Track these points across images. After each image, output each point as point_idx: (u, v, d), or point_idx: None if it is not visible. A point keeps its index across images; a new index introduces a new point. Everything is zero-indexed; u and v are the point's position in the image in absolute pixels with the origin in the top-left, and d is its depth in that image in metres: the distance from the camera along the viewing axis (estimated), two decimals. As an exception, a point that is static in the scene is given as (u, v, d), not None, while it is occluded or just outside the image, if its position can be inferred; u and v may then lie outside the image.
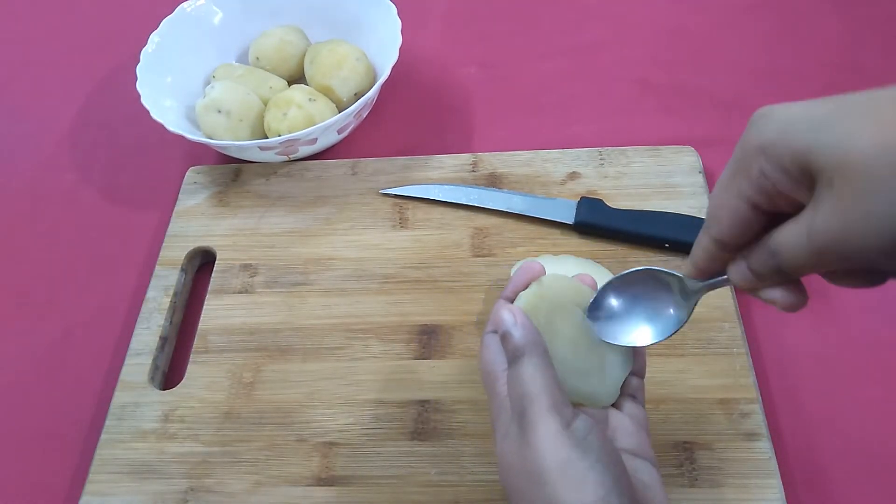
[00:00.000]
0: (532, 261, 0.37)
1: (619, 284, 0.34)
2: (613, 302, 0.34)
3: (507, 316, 0.32)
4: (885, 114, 0.21)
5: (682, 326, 0.32)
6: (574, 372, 0.33)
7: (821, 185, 0.22)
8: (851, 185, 0.21)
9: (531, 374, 0.30)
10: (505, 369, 0.32)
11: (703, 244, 0.29)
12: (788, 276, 0.26)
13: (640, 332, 0.33)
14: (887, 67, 0.61)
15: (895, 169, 0.20)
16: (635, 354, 0.36)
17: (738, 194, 0.25)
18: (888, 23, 0.65)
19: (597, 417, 0.34)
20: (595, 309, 0.34)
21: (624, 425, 0.34)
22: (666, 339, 0.33)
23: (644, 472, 0.32)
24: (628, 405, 0.35)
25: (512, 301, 0.35)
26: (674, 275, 0.32)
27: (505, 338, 0.32)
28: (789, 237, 0.24)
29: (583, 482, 0.27)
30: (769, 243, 0.25)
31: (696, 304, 0.32)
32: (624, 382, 0.35)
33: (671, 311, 0.33)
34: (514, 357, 0.31)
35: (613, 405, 0.35)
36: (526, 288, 0.35)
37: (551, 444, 0.28)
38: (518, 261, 0.49)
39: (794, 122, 0.23)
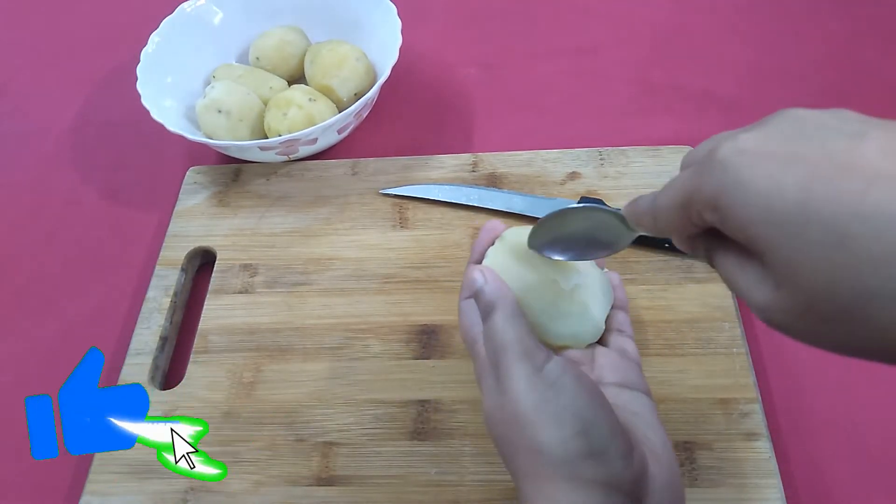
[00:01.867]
0: (493, 221, 0.38)
1: (558, 221, 0.33)
2: (554, 234, 0.34)
3: (477, 275, 0.33)
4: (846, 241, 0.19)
5: (625, 245, 0.32)
6: (553, 316, 0.34)
7: (767, 265, 0.22)
8: (797, 291, 0.21)
9: (501, 326, 0.31)
10: (482, 331, 0.33)
11: (649, 221, 0.29)
12: None
13: (586, 253, 0.34)
14: (887, 67, 0.61)
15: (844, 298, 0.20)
16: (613, 289, 0.37)
17: (683, 218, 0.25)
18: (888, 22, 0.65)
19: (582, 357, 0.35)
20: (538, 239, 0.34)
21: (611, 360, 0.35)
22: (613, 253, 0.33)
23: (635, 403, 0.33)
24: (615, 339, 0.36)
25: (480, 262, 0.36)
26: (614, 214, 0.32)
27: (477, 297, 0.33)
28: (731, 274, 0.25)
29: (559, 419, 0.28)
30: (710, 252, 0.26)
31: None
32: (609, 318, 0.36)
33: (613, 239, 0.32)
34: (485, 314, 0.32)
35: (600, 342, 0.36)
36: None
37: (525, 388, 0.29)
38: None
39: (753, 194, 0.21)
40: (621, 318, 0.37)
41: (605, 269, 0.40)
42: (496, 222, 0.38)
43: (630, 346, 0.37)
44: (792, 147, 0.22)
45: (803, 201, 0.20)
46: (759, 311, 0.23)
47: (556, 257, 0.34)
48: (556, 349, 0.35)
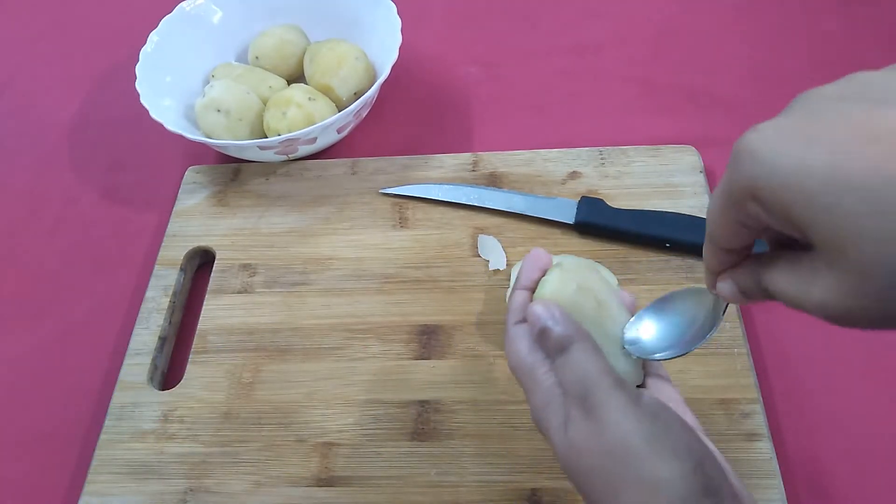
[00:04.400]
0: (539, 249, 0.36)
1: (658, 304, 0.34)
2: (650, 322, 0.34)
3: (542, 311, 0.31)
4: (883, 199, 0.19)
5: (713, 332, 0.32)
6: (609, 352, 0.33)
7: (818, 250, 0.22)
8: (849, 266, 0.21)
9: (585, 359, 0.30)
10: (544, 359, 0.31)
11: (710, 251, 0.28)
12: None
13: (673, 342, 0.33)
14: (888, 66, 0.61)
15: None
16: None
17: (733, 221, 0.25)
18: (888, 22, 0.64)
19: None
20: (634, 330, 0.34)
21: (672, 400, 0.33)
22: (702, 343, 0.32)
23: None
24: (655, 383, 0.34)
25: (532, 290, 0.35)
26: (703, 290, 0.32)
27: (544, 333, 0.31)
28: (786, 286, 0.24)
29: (675, 453, 0.27)
30: (760, 278, 0.26)
31: (723, 312, 0.32)
32: (645, 363, 0.35)
33: (700, 322, 0.33)
34: (559, 348, 0.31)
35: (641, 387, 0.34)
36: (540, 275, 0.35)
37: (631, 419, 0.27)
38: (517, 262, 0.49)
39: (783, 175, 0.21)
40: (657, 365, 0.35)
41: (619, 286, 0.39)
42: (544, 252, 0.36)
43: (673, 392, 0.34)
44: (814, 123, 0.21)
45: (831, 174, 0.20)
46: (819, 307, 0.23)
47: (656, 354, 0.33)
48: None
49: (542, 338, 0.31)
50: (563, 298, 0.33)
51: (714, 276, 0.29)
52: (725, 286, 0.28)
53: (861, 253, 0.20)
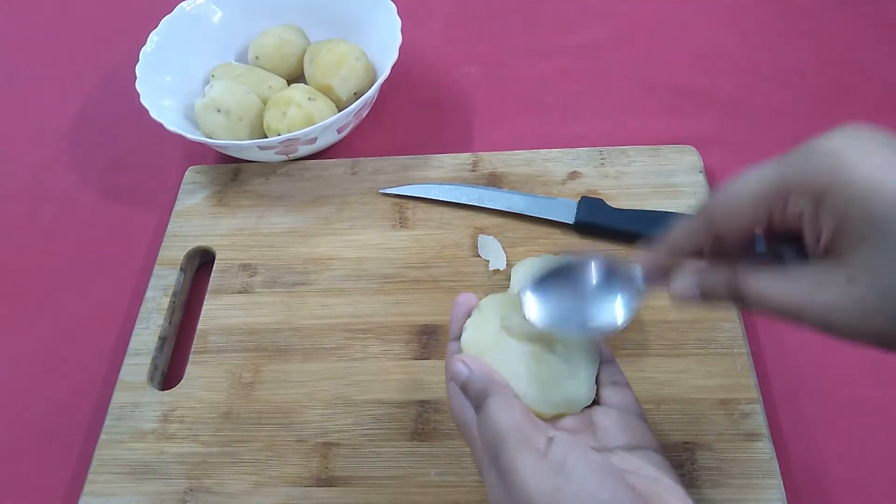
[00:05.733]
0: (463, 295, 0.36)
1: (562, 270, 0.33)
2: (554, 287, 0.33)
3: (460, 367, 0.31)
4: None
5: (633, 315, 0.31)
6: (544, 384, 0.32)
7: (844, 263, 0.23)
8: (878, 282, 0.23)
9: (496, 415, 0.29)
10: (474, 416, 0.31)
11: (691, 233, 0.29)
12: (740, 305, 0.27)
13: (588, 319, 0.32)
14: (887, 67, 0.61)
15: None
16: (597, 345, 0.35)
17: (764, 209, 0.26)
18: (888, 22, 0.64)
19: (579, 425, 0.32)
20: (539, 291, 0.33)
21: (612, 420, 0.32)
22: (619, 328, 0.31)
23: (648, 467, 0.30)
24: (610, 394, 0.33)
25: (458, 337, 0.35)
26: (622, 266, 0.31)
27: (465, 389, 0.31)
28: (780, 291, 0.25)
29: None
30: (738, 281, 0.27)
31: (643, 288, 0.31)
32: (599, 373, 0.34)
33: (620, 299, 0.31)
34: (477, 403, 0.31)
35: (596, 402, 0.33)
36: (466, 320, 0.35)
37: (532, 479, 0.27)
38: (518, 262, 0.49)
39: (859, 180, 0.23)
40: (611, 370, 0.35)
41: None
42: (468, 295, 0.36)
43: (629, 397, 0.34)
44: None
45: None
46: (820, 312, 0.24)
47: (548, 325, 0.32)
48: (551, 419, 0.32)
49: (466, 394, 0.31)
50: (484, 343, 0.33)
51: (668, 260, 0.30)
52: (686, 282, 0.29)
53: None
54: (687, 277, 0.29)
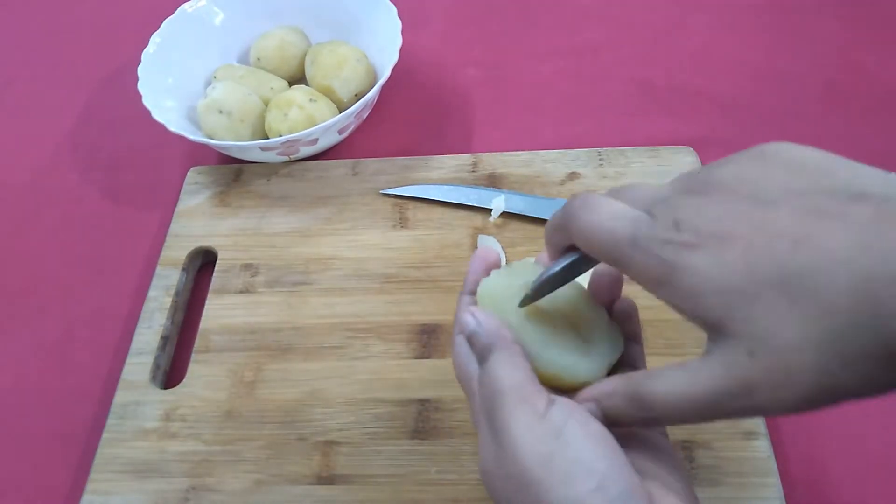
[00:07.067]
0: (486, 244, 0.35)
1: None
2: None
3: (468, 318, 0.30)
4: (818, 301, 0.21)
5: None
6: (548, 343, 0.31)
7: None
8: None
9: (499, 371, 0.28)
10: (477, 369, 0.30)
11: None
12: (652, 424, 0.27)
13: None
14: (887, 67, 0.61)
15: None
16: (629, 318, 0.34)
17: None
18: (888, 23, 0.65)
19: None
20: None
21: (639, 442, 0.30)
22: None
23: (656, 438, 0.29)
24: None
25: (473, 292, 0.33)
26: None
27: (471, 341, 0.30)
28: (692, 389, 0.25)
29: (570, 474, 0.25)
30: (644, 397, 0.26)
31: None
32: (619, 364, 0.32)
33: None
34: (482, 357, 0.29)
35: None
36: (486, 275, 0.33)
37: (527, 440, 0.26)
38: (516, 261, 0.49)
39: (701, 282, 0.24)
40: (635, 351, 0.33)
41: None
42: (490, 249, 0.34)
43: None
44: (724, 228, 0.24)
45: (750, 274, 0.22)
46: (741, 394, 0.23)
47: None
48: (549, 385, 0.30)
49: (471, 346, 0.30)
50: (502, 300, 0.31)
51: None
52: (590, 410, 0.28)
53: (787, 339, 0.22)
54: (588, 407, 0.28)
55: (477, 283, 0.33)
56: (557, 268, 0.30)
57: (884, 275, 0.20)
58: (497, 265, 0.34)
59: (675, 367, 0.25)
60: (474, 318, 0.30)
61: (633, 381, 0.26)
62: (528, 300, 0.31)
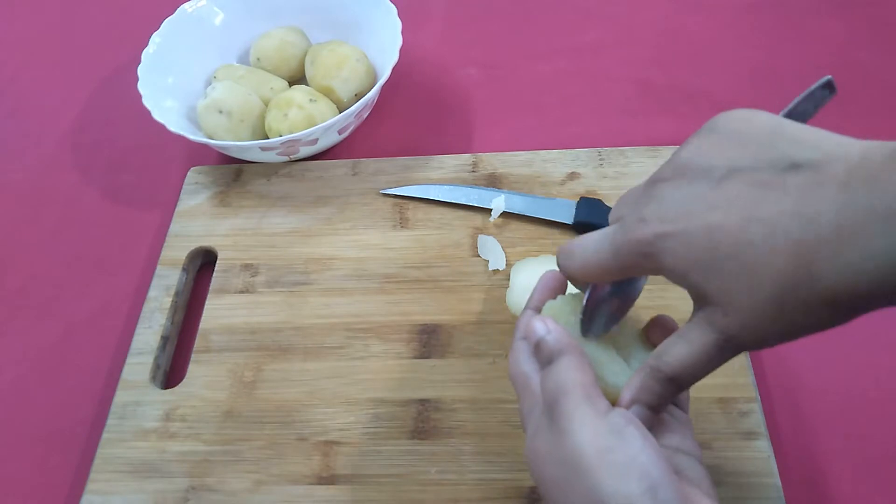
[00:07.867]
0: (552, 272, 0.37)
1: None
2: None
3: (539, 325, 0.32)
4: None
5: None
6: (604, 366, 0.33)
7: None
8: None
9: (566, 371, 0.30)
10: (537, 370, 0.32)
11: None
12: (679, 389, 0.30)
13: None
14: (887, 67, 0.61)
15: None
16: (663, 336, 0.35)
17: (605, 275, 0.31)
18: (888, 23, 0.65)
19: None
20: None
21: (665, 422, 0.32)
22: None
23: (691, 470, 0.30)
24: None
25: (539, 310, 0.35)
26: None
27: (538, 346, 0.32)
28: (691, 351, 0.28)
29: (626, 472, 0.26)
30: (664, 370, 0.29)
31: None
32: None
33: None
34: (548, 359, 0.31)
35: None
36: (550, 298, 0.36)
37: (589, 431, 0.27)
38: (517, 262, 0.49)
39: (674, 259, 0.27)
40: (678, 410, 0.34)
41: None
42: (558, 275, 0.36)
43: (683, 415, 0.34)
44: (685, 209, 0.27)
45: (712, 250, 0.26)
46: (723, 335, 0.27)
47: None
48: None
49: (537, 351, 0.32)
50: (567, 323, 0.33)
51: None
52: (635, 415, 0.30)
53: (749, 300, 0.26)
54: (635, 410, 0.30)
55: (543, 303, 0.36)
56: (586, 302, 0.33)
57: (812, 238, 0.23)
58: (563, 290, 0.37)
59: (674, 337, 0.29)
60: (545, 325, 0.32)
61: (652, 364, 0.29)
62: (585, 328, 0.34)
